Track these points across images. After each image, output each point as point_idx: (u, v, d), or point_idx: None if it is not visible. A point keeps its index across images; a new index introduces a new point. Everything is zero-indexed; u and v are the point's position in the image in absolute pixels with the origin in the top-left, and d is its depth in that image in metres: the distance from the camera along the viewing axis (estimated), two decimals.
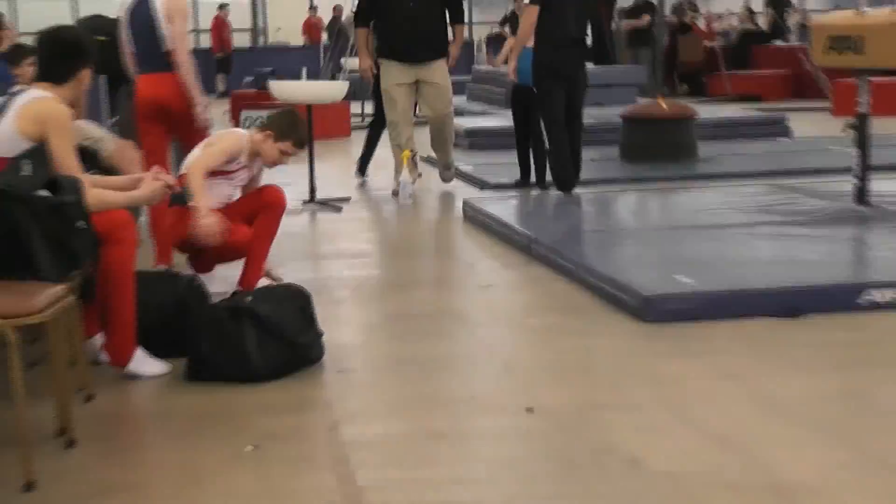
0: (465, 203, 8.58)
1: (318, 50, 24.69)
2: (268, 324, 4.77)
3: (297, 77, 9.99)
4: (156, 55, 6.66)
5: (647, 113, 11.37)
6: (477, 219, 8.21)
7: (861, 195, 7.83)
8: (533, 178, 9.58)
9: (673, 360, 4.87)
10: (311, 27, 27.21)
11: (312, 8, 27.72)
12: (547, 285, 6.41)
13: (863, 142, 7.82)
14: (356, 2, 9.94)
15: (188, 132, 6.62)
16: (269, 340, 4.75)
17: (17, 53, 7.27)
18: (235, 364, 4.71)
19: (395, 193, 9.52)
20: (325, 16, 27.50)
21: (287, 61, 22.58)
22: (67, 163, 4.56)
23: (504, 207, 8.32)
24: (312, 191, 9.23)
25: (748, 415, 4.18)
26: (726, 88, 20.12)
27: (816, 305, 5.50)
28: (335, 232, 8.35)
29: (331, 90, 9.53)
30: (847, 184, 8.41)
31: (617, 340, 5.24)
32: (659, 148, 11.09)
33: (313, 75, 21.00)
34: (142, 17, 6.70)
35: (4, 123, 4.58)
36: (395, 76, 9.53)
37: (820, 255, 6.30)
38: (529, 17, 8.81)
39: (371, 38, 9.76)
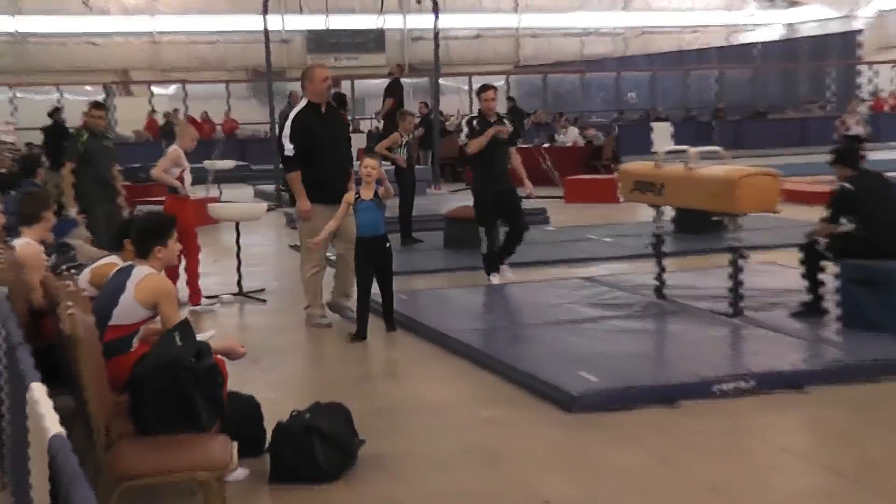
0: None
1: (160, 145, 24.05)
2: (331, 438, 4.79)
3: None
4: None
5: (462, 214, 11.64)
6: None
7: (660, 292, 8.26)
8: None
9: (610, 448, 5.07)
10: (151, 126, 26.40)
11: (152, 110, 26.91)
12: (474, 378, 6.52)
13: (659, 254, 8.26)
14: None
15: None
16: (332, 451, 4.78)
17: None
18: (308, 470, 4.71)
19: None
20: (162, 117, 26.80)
21: (140, 154, 21.97)
22: (174, 322, 4.53)
23: (407, 306, 8.22)
24: (240, 284, 9.10)
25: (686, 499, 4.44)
26: None
27: (686, 395, 5.83)
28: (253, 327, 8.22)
29: (254, 210, 9.49)
30: (632, 276, 9.01)
31: (553, 430, 5.38)
32: (474, 241, 11.35)
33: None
34: None
35: (126, 297, 4.50)
36: (320, 218, 7.72)
37: (669, 351, 6.67)
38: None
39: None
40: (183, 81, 29.04)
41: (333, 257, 8.18)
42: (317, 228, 7.62)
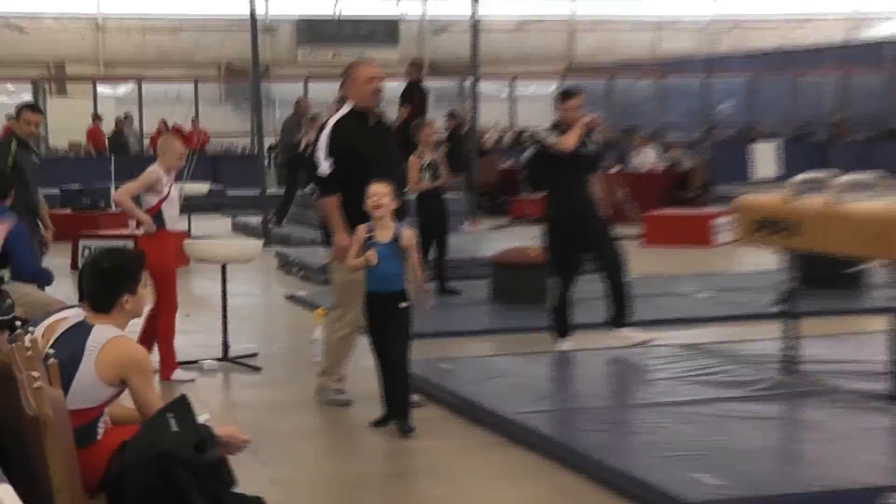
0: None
1: (108, 161, 24.14)
2: None
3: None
4: None
5: (516, 258, 11.56)
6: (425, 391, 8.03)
7: (790, 366, 8.09)
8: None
9: None
10: (95, 136, 26.54)
11: (97, 116, 27.05)
12: (545, 476, 6.38)
13: (790, 315, 8.11)
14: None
15: None
16: None
17: None
18: None
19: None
20: (109, 126, 26.98)
21: (78, 172, 22.02)
22: (151, 401, 4.43)
23: (451, 379, 8.14)
24: (226, 346, 9.01)
25: None
26: (528, 210, 20.56)
27: None
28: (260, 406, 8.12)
29: (247, 249, 9.36)
30: (746, 343, 8.85)
31: None
32: (528, 293, 11.27)
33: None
34: None
35: (83, 372, 4.38)
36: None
37: (813, 447, 6.49)
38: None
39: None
40: (137, 80, 29.21)
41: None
42: (356, 275, 7.34)
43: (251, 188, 19.72)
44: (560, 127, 8.99)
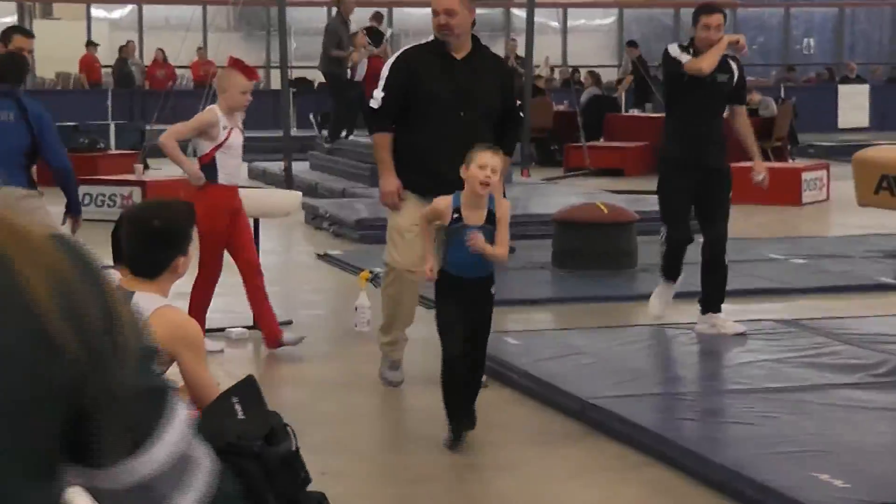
0: None
1: (106, 95, 24.13)
2: None
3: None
4: None
5: (584, 217, 11.43)
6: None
7: None
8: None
9: None
10: (90, 66, 26.45)
11: (91, 44, 26.94)
12: (639, 472, 6.27)
13: None
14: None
15: None
16: None
17: None
18: None
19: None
20: (104, 54, 26.90)
21: (69, 106, 21.97)
22: (205, 382, 4.35)
23: (519, 356, 8.01)
24: None
25: None
26: (584, 161, 20.43)
27: None
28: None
29: (286, 201, 9.24)
30: (857, 319, 8.73)
31: None
32: (596, 256, 11.17)
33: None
34: None
35: None
36: (413, 216, 7.30)
37: None
38: None
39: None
40: (137, 2, 29.07)
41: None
42: (404, 225, 7.36)
43: (270, 129, 19.62)
44: (695, 48, 8.58)
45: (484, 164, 6.31)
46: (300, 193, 9.73)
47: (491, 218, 6.40)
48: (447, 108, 7.36)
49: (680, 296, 8.99)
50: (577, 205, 11.97)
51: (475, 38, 7.62)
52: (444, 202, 6.50)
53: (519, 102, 8.00)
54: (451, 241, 6.50)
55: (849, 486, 5.63)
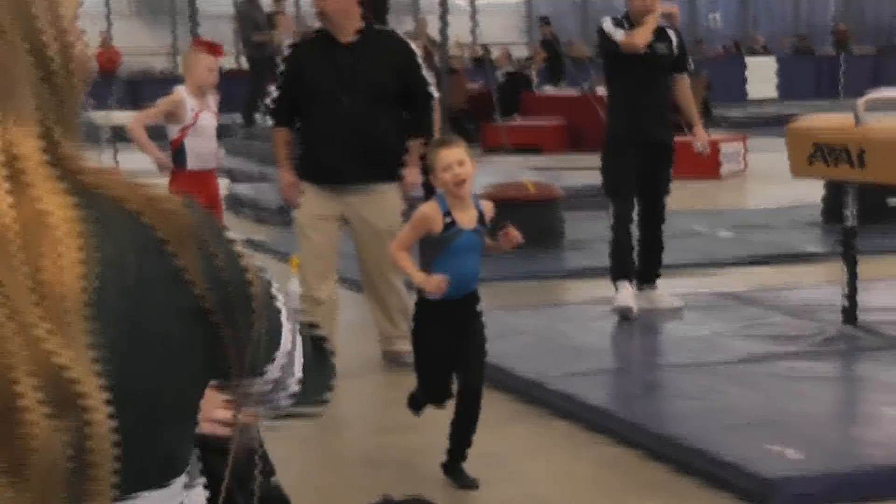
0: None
1: None
2: None
3: None
4: None
5: (511, 195, 11.37)
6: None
7: (851, 316, 7.98)
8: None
9: None
10: None
11: None
12: (590, 450, 6.24)
13: (851, 259, 7.99)
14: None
15: None
16: None
17: None
18: None
19: None
20: None
21: None
22: None
23: None
24: None
25: None
26: (502, 139, 20.39)
27: None
28: None
29: None
30: (788, 290, 8.77)
31: None
32: (524, 235, 11.11)
33: None
34: None
35: None
36: (312, 207, 7.46)
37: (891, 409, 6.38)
38: None
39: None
40: None
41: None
42: (303, 219, 7.49)
43: None
44: (629, 20, 8.46)
45: (446, 163, 5.52)
46: (225, 180, 9.52)
47: (481, 219, 5.67)
48: (328, 94, 7.34)
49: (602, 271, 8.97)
50: (504, 184, 11.89)
51: (368, 20, 7.52)
52: (430, 208, 5.61)
53: (431, 80, 7.89)
54: (444, 252, 5.59)
55: (802, 455, 5.62)
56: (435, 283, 5.46)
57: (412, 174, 7.55)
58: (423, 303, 5.68)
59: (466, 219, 5.58)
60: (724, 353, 7.44)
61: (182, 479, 1.44)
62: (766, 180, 15.35)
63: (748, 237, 11.60)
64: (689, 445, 5.89)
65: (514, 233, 5.68)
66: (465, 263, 5.57)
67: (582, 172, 14.89)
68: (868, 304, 8.13)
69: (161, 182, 7.82)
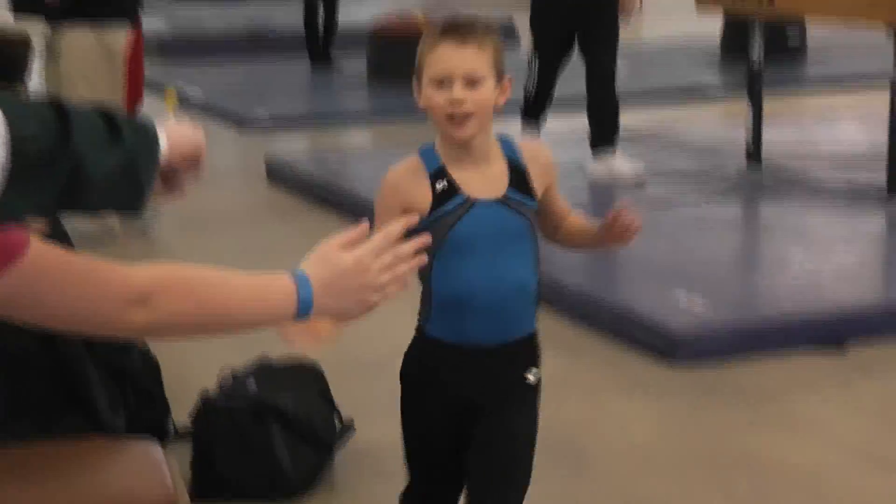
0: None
1: None
2: (297, 424, 4.21)
3: None
4: None
5: (401, 29, 10.88)
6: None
7: (755, 155, 7.76)
8: None
9: (754, 433, 4.60)
10: None
11: None
12: None
13: (756, 98, 7.74)
14: None
15: None
16: (300, 444, 4.21)
17: None
18: (261, 478, 4.15)
19: None
20: None
21: None
22: None
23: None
24: None
25: None
26: None
27: (857, 332, 5.33)
28: None
29: None
30: (686, 126, 8.57)
31: (647, 402, 4.89)
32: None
33: None
34: None
35: None
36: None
37: (812, 257, 6.16)
38: None
39: None
40: None
41: None
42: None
43: None
44: None
45: (440, 74, 2.80)
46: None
47: (521, 179, 2.91)
48: None
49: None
50: (393, 16, 11.43)
51: None
52: (402, 170, 2.91)
53: None
54: (442, 249, 2.82)
55: (706, 305, 5.41)
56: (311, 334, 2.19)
57: None
58: (423, 347, 3.00)
59: (482, 181, 2.89)
60: (620, 197, 7.11)
61: None
62: (656, 14, 15.08)
63: (645, 73, 11.26)
64: (589, 295, 5.70)
65: (627, 216, 2.99)
66: (488, 269, 2.86)
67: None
68: (775, 142, 8.00)
69: None
